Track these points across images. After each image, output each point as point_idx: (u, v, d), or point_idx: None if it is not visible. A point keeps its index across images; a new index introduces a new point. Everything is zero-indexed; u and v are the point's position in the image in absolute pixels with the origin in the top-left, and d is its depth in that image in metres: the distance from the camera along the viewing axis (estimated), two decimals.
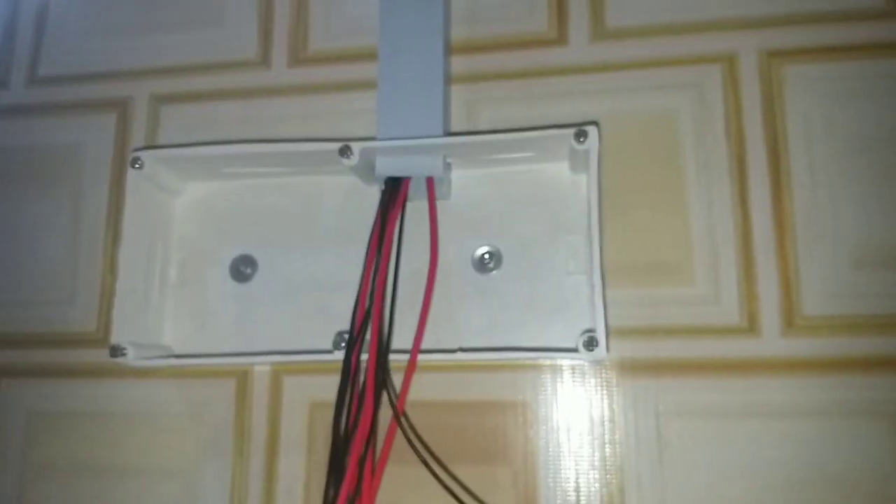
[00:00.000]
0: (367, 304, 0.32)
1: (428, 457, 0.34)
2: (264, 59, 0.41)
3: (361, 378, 0.32)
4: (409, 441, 0.33)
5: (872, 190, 0.34)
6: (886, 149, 0.34)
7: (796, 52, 0.36)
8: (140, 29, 0.43)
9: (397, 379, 0.33)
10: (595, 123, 0.33)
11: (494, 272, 0.36)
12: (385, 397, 0.32)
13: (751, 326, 0.33)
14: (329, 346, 0.34)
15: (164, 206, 0.39)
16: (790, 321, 0.33)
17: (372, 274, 0.33)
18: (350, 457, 0.30)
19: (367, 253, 0.34)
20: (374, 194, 0.36)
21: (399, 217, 0.34)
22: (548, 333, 0.34)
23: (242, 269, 0.38)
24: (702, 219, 0.35)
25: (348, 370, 0.32)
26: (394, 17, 0.37)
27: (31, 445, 0.39)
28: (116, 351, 0.34)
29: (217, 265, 0.38)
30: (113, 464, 0.38)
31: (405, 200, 0.34)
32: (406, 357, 0.32)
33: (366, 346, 0.32)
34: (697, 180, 0.35)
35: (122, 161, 0.41)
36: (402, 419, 0.33)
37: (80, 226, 0.41)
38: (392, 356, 0.33)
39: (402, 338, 0.34)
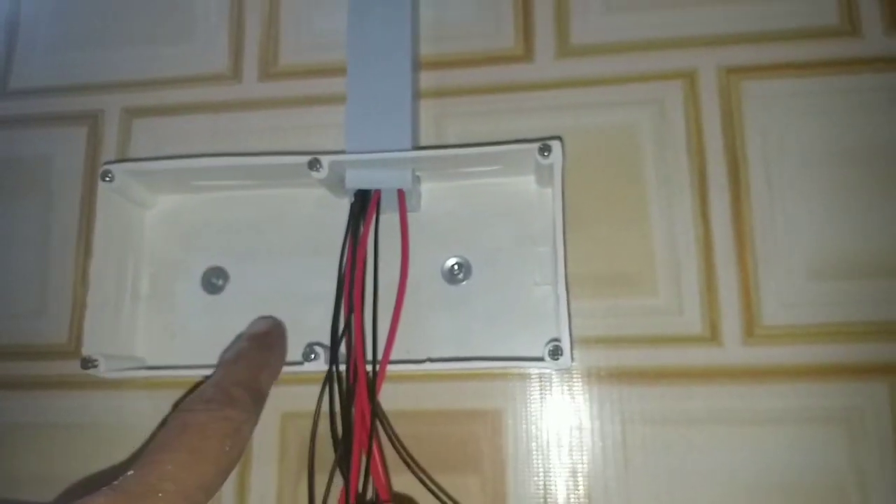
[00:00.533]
0: (348, 314, 0.33)
1: (402, 464, 0.34)
2: (235, 73, 0.41)
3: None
4: (395, 447, 0.34)
5: (826, 203, 0.35)
6: (840, 162, 0.36)
7: (754, 69, 0.37)
8: (111, 43, 0.43)
9: None
10: (559, 138, 0.34)
11: (464, 283, 0.36)
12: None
13: (712, 336, 0.34)
14: (299, 357, 0.34)
15: (134, 219, 0.39)
16: (750, 331, 0.34)
17: (349, 285, 0.33)
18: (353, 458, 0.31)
19: (340, 265, 0.34)
20: (344, 206, 0.36)
21: (370, 229, 0.34)
22: (516, 343, 0.35)
23: (214, 280, 0.38)
24: (664, 231, 0.36)
25: (334, 379, 0.32)
26: (362, 33, 0.38)
27: (1, 458, 0.38)
28: (87, 363, 0.34)
29: (188, 277, 0.38)
30: (85, 476, 0.37)
31: (376, 212, 0.35)
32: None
33: (340, 357, 0.33)
34: (659, 194, 0.36)
35: (94, 174, 0.41)
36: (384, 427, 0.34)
37: (50, 238, 0.41)
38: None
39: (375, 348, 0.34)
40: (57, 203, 0.41)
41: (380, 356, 0.33)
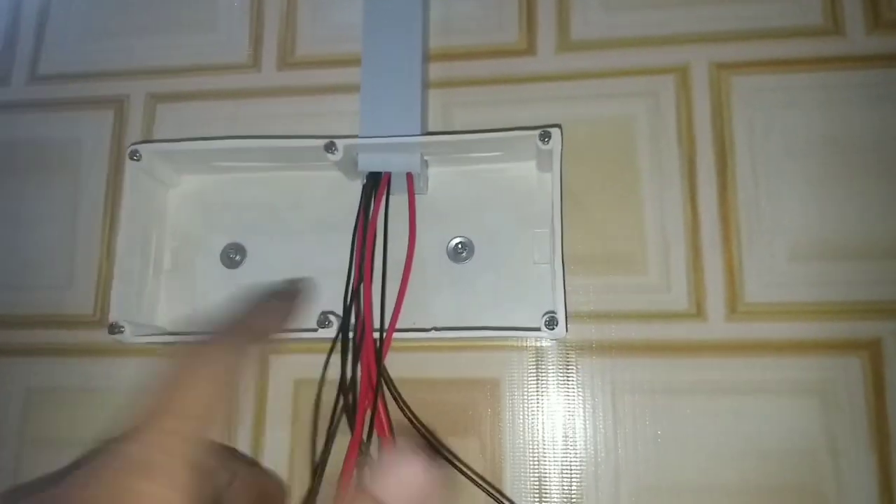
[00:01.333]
0: (358, 285, 0.35)
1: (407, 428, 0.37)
2: (255, 63, 0.44)
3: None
4: (403, 411, 0.36)
5: (807, 189, 0.38)
6: (821, 153, 0.38)
7: (743, 65, 0.39)
8: (137, 32, 0.45)
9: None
10: (559, 126, 0.37)
11: (467, 261, 0.39)
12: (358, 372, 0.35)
13: (698, 312, 0.37)
14: (314, 325, 0.36)
15: (159, 197, 0.41)
16: (733, 307, 0.37)
17: (360, 259, 0.36)
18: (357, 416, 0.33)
19: (353, 240, 0.36)
20: (355, 189, 0.39)
21: (381, 207, 0.37)
22: (514, 316, 0.37)
23: (232, 256, 0.41)
24: (655, 215, 0.38)
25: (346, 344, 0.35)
26: (377, 26, 0.40)
27: (28, 421, 0.41)
28: (114, 328, 0.37)
29: (208, 253, 0.41)
30: (108, 437, 0.40)
31: (386, 193, 0.37)
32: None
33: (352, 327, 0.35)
34: (651, 180, 0.39)
35: (119, 155, 0.43)
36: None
37: (78, 216, 0.43)
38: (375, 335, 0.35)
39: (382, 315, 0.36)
40: (84, 183, 0.44)
41: (387, 324, 0.35)
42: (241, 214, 0.41)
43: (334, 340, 0.36)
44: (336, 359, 0.36)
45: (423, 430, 0.36)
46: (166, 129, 0.44)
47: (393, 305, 0.35)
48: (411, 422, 0.36)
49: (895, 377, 0.35)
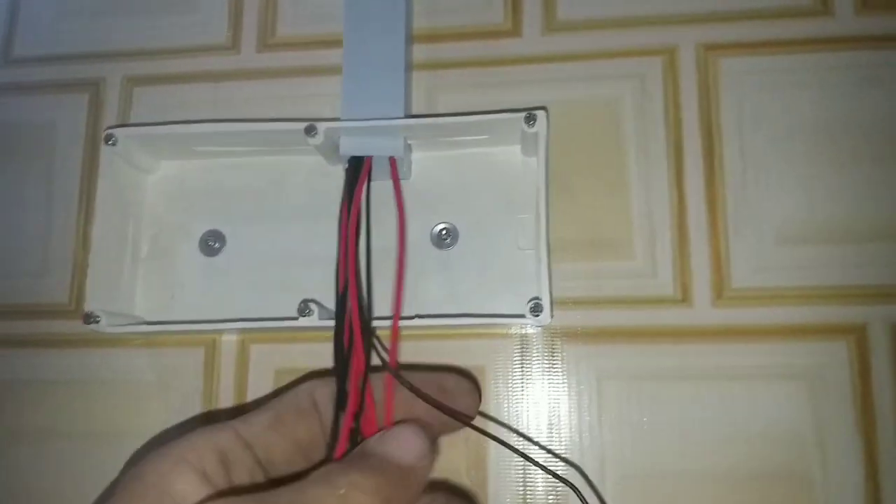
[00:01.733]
0: (345, 272, 0.34)
1: None
2: (234, 44, 0.43)
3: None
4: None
5: (795, 173, 0.37)
6: (808, 136, 0.37)
7: (731, 46, 0.39)
8: (113, 12, 0.44)
9: None
10: (544, 109, 0.36)
11: (451, 247, 0.38)
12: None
13: (684, 297, 0.36)
14: (294, 314, 0.35)
15: (136, 183, 0.40)
16: (720, 293, 0.36)
17: (346, 245, 0.35)
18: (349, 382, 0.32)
19: (339, 226, 0.35)
20: (337, 174, 0.38)
21: (362, 192, 0.36)
22: (500, 303, 0.36)
23: (211, 243, 0.40)
24: (641, 199, 0.38)
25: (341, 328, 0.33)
26: (358, 6, 0.39)
27: (3, 412, 0.40)
28: (90, 318, 0.36)
29: (187, 240, 0.40)
30: (85, 429, 0.39)
31: (368, 177, 0.36)
32: (382, 323, 0.34)
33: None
34: (637, 163, 0.38)
35: (95, 140, 0.42)
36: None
37: (52, 202, 0.42)
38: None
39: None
40: (59, 168, 0.42)
41: (375, 313, 0.34)
42: (221, 200, 0.40)
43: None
44: (322, 347, 0.35)
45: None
46: (144, 112, 0.43)
47: (382, 294, 0.35)
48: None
49: (881, 362, 0.35)
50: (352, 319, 0.32)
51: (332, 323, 0.33)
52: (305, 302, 0.35)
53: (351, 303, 0.33)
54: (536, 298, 0.34)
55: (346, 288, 0.33)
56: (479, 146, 0.39)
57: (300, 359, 0.38)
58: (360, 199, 0.36)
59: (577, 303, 0.37)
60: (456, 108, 0.40)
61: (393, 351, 0.32)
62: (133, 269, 0.40)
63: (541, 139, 0.35)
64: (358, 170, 0.37)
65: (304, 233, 0.39)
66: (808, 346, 0.35)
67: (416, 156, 0.39)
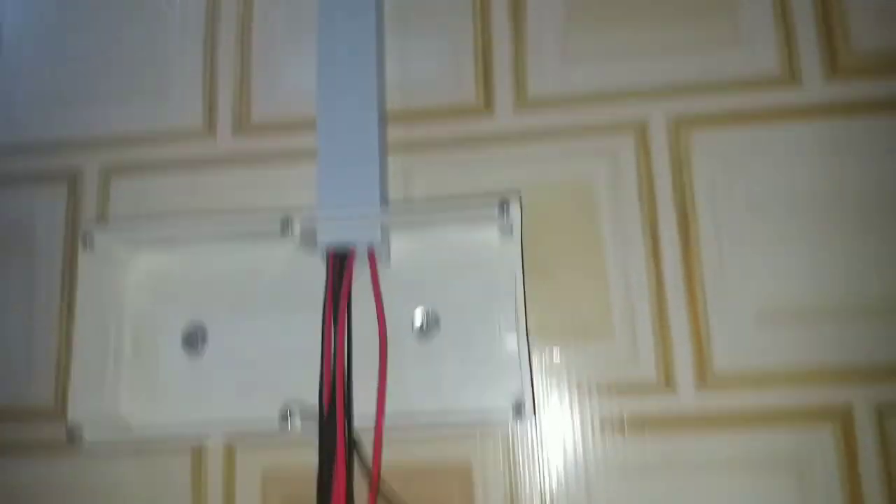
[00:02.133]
0: (330, 380, 0.34)
1: None
2: (209, 129, 0.43)
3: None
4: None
5: (772, 250, 0.37)
6: (785, 209, 0.37)
7: (701, 119, 0.38)
8: (88, 99, 0.44)
9: None
10: (518, 193, 0.35)
11: (433, 334, 0.38)
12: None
13: (667, 383, 0.36)
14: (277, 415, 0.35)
15: (115, 280, 0.40)
16: (703, 377, 0.36)
17: (332, 350, 0.35)
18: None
19: (323, 329, 0.35)
20: (317, 261, 0.37)
21: (348, 294, 0.36)
22: (483, 392, 0.36)
23: (194, 339, 0.39)
24: (619, 279, 0.37)
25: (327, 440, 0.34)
26: (331, 90, 0.39)
27: None
28: (73, 434, 0.36)
29: (169, 335, 0.40)
30: None
31: (352, 276, 0.36)
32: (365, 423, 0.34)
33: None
34: (614, 242, 0.38)
35: (74, 233, 0.42)
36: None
37: (34, 299, 0.42)
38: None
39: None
40: (39, 264, 0.42)
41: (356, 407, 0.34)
42: (201, 291, 0.40)
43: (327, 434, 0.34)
44: (308, 449, 0.34)
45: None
46: (121, 203, 0.42)
47: (363, 382, 0.35)
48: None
49: (867, 445, 0.34)
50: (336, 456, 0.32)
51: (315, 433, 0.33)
52: (287, 405, 0.35)
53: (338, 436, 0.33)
54: (519, 399, 0.33)
55: (332, 407, 0.33)
56: (456, 229, 0.38)
57: (286, 460, 0.38)
58: (345, 303, 0.35)
59: (562, 391, 0.36)
60: (433, 188, 0.40)
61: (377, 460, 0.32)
62: (117, 370, 0.39)
63: (515, 227, 0.35)
64: (341, 267, 0.36)
65: (285, 325, 0.39)
66: (793, 432, 0.35)
67: (395, 238, 0.39)
